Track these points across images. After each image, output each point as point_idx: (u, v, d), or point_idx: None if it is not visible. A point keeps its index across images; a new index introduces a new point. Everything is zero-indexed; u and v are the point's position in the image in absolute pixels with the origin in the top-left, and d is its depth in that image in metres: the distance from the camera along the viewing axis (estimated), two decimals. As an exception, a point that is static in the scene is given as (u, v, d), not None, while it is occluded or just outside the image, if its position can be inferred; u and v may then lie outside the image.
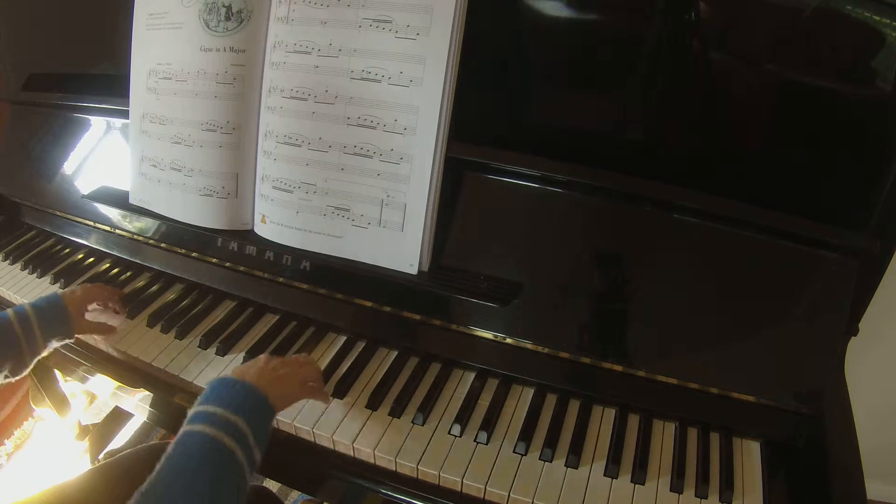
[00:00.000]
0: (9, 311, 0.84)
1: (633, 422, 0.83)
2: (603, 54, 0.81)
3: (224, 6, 0.88)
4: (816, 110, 0.75)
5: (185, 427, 0.62)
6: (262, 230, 0.93)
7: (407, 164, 0.82)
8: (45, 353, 0.86)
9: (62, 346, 0.90)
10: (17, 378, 0.84)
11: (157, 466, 0.58)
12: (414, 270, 0.85)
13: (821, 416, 0.77)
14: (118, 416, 1.55)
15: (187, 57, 0.91)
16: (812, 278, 0.77)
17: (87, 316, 0.93)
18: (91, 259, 1.13)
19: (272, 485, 1.40)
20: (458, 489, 0.75)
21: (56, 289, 1.06)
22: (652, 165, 0.79)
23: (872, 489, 1.53)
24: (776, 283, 0.77)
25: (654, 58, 0.79)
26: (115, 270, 1.10)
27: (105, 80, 1.08)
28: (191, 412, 0.63)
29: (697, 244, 0.79)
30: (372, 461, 0.78)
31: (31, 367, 0.85)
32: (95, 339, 0.96)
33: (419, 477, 0.76)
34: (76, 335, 0.90)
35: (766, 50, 0.75)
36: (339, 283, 0.90)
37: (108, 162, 1.09)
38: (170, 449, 0.60)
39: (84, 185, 1.10)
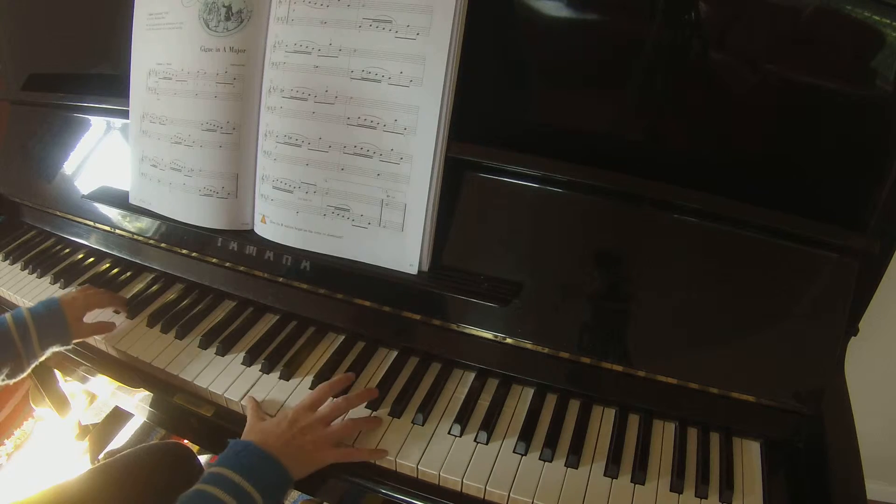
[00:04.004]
0: (7, 315, 0.83)
1: (633, 422, 0.83)
2: (603, 54, 0.81)
3: (224, 6, 0.88)
4: (816, 110, 0.75)
5: (201, 485, 0.63)
6: (262, 230, 0.93)
7: (407, 164, 0.82)
8: (43, 358, 0.86)
9: (63, 350, 0.90)
10: (15, 381, 0.84)
11: None
12: (414, 270, 0.85)
13: (821, 416, 0.77)
14: (118, 416, 1.54)
15: (187, 57, 0.91)
16: (812, 278, 0.77)
17: (87, 319, 0.93)
18: (91, 259, 1.13)
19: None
20: (458, 489, 0.75)
21: (56, 289, 1.06)
22: (652, 165, 0.79)
23: (872, 489, 1.53)
24: (776, 283, 0.77)
25: (654, 57, 0.79)
26: (115, 270, 1.10)
27: (105, 80, 1.08)
28: (209, 470, 0.64)
29: (697, 244, 0.79)
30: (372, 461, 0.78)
31: (30, 370, 0.85)
32: (96, 339, 0.96)
33: (419, 477, 0.76)
34: (74, 340, 0.90)
35: (767, 50, 0.75)
36: (339, 283, 0.90)
37: (108, 162, 1.09)
38: (183, 501, 0.61)
39: (84, 185, 1.10)
